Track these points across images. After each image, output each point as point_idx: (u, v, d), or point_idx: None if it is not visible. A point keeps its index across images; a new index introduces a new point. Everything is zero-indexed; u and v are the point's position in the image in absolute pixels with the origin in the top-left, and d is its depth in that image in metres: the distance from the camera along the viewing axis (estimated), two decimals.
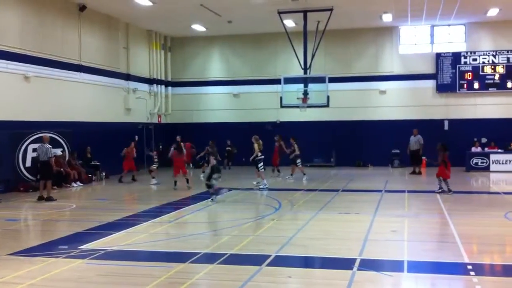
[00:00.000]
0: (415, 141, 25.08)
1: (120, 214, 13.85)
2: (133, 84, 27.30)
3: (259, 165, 19.62)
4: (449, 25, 28.36)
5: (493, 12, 25.09)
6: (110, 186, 21.25)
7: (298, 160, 22.48)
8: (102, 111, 24.56)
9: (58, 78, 21.77)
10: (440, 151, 17.47)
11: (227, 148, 27.96)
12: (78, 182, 21.00)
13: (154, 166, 22.03)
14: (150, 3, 22.45)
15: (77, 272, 8.31)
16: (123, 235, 11.16)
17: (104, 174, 23.36)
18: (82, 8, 22.87)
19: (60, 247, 9.96)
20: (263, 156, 19.80)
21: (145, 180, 21.91)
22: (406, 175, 24.28)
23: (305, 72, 24.50)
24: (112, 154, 23.24)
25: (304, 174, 22.35)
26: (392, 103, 28.91)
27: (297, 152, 22.43)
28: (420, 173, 24.66)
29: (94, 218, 13.22)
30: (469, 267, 8.31)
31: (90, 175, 22.39)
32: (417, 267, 8.51)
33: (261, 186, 19.37)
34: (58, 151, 20.61)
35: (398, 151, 27.75)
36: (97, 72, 24.25)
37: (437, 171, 17.58)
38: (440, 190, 17.32)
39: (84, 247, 9.96)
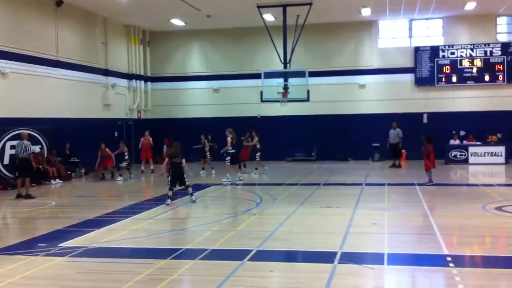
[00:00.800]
0: (395, 134, 25.27)
1: (100, 211, 13.73)
2: (111, 80, 27.06)
3: (227, 159, 19.70)
4: (427, 19, 28.61)
5: (470, 6, 25.35)
6: (90, 183, 21.06)
7: (258, 154, 22.55)
8: (81, 107, 24.31)
9: (36, 74, 21.50)
10: (424, 142, 17.83)
11: (208, 144, 27.80)
12: (57, 179, 20.75)
13: (124, 164, 21.79)
14: None
15: (56, 270, 8.22)
16: (103, 232, 11.07)
17: (83, 170, 23.15)
18: (59, 3, 22.60)
19: (39, 245, 9.84)
20: (234, 151, 19.85)
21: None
22: (386, 168, 24.46)
23: (285, 67, 24.52)
24: (91, 150, 23.00)
25: (257, 169, 22.54)
26: (371, 97, 29.09)
27: (258, 145, 22.41)
28: (400, 166, 24.87)
29: (73, 215, 13.10)
30: (449, 258, 8.40)
31: (69, 172, 22.15)
32: (398, 259, 8.58)
33: (223, 180, 19.36)
34: (37, 148, 20.34)
35: (378, 144, 27.92)
36: (75, 68, 23.99)
37: (424, 165, 17.94)
38: (430, 183, 17.56)
39: (63, 244, 9.85)
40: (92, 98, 25.51)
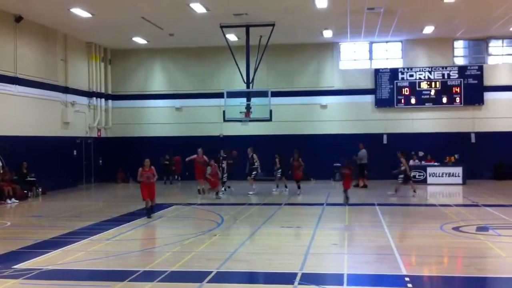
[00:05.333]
0: (363, 154, 25.25)
1: (57, 231, 13.39)
2: (71, 97, 26.58)
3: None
4: (386, 42, 29.20)
5: (428, 29, 26.01)
6: (47, 203, 20.56)
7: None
8: (39, 125, 23.75)
9: None
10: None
11: (165, 163, 27.57)
12: (13, 199, 20.18)
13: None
14: (89, 15, 21.99)
15: None
16: (60, 253, 10.79)
17: (40, 190, 22.54)
18: (19, 19, 22.17)
19: None
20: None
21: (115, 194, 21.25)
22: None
23: (248, 86, 24.57)
24: (49, 169, 22.52)
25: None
26: (333, 117, 29.39)
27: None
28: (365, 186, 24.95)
29: (29, 236, 12.73)
30: (407, 279, 8.48)
31: (26, 191, 21.56)
32: (357, 280, 8.61)
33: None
34: None
35: (339, 164, 28.07)
36: (33, 85, 23.47)
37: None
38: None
39: (18, 266, 9.57)
40: (51, 116, 24.95)
